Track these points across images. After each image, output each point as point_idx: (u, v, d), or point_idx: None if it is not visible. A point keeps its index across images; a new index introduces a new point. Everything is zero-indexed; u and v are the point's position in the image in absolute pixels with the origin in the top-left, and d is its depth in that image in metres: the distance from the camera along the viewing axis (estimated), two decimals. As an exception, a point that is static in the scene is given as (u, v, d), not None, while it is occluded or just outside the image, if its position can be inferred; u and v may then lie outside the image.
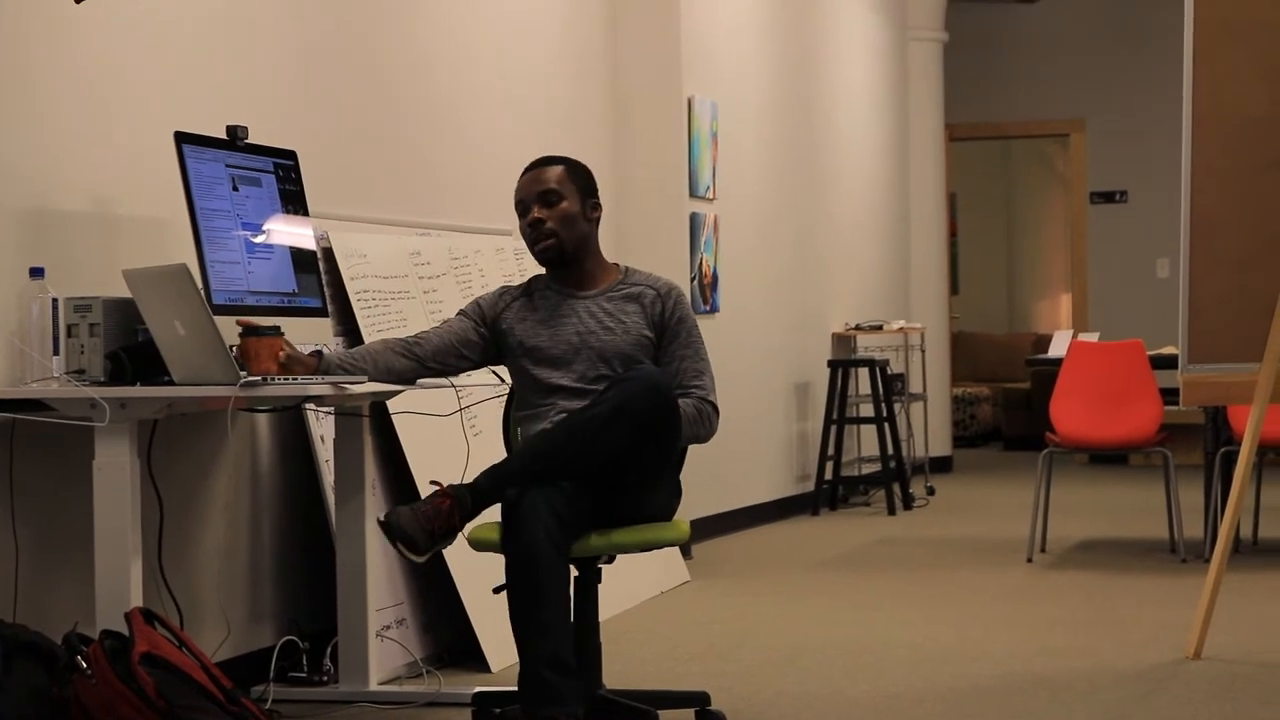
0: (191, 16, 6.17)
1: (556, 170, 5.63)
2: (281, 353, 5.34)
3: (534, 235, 5.56)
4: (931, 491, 13.52)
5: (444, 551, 5.28)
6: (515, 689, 5.54)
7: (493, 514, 5.24)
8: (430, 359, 5.61)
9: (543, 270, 5.70)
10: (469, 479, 5.21)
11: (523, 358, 5.57)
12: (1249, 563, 9.16)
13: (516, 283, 5.82)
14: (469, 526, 5.21)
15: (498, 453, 5.62)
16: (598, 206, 5.67)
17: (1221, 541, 6.82)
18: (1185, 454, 10.28)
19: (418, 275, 7.01)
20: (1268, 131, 6.65)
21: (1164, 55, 13.22)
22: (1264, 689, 6.15)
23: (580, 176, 5.66)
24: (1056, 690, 6.19)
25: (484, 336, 5.64)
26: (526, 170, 5.67)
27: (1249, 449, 6.72)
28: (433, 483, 5.32)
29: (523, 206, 5.60)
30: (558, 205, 5.56)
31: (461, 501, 5.14)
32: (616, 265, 5.71)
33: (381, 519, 5.30)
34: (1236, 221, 6.69)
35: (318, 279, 6.11)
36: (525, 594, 5.06)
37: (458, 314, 5.76)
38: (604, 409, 5.22)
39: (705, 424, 5.43)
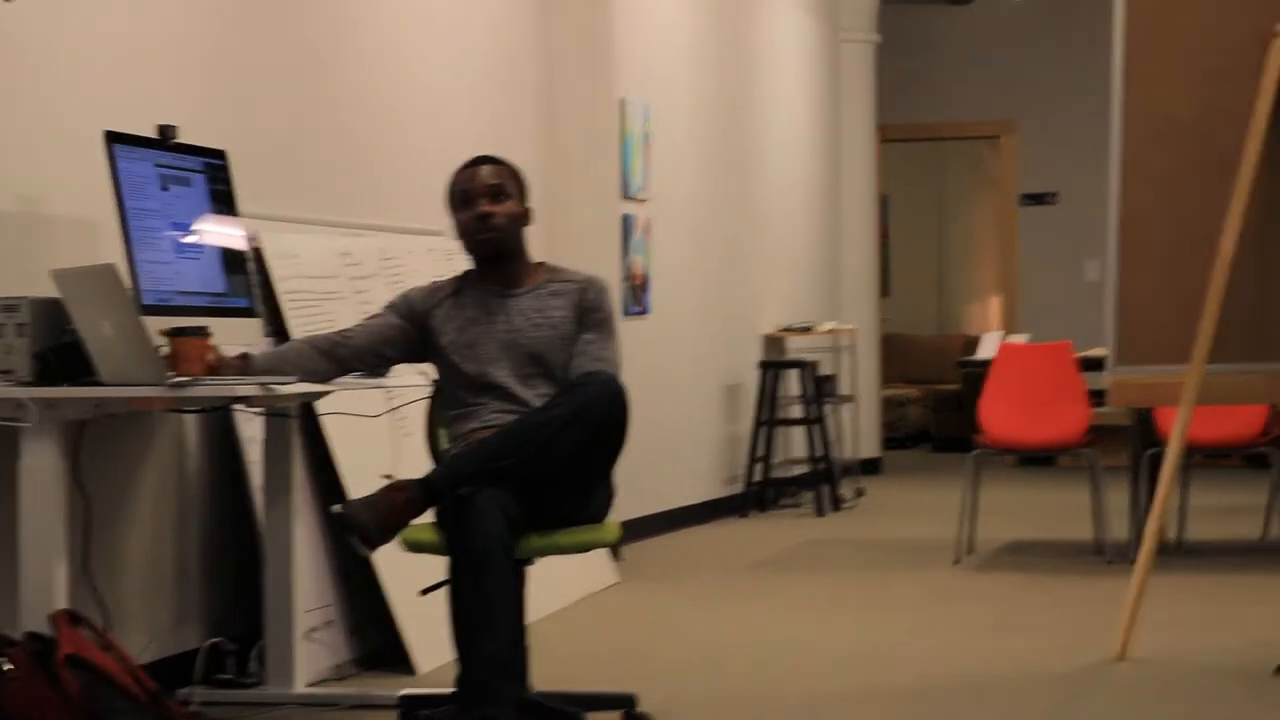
0: (122, 13, 6.14)
1: (504, 169, 5.68)
2: (209, 354, 5.33)
3: (479, 227, 5.56)
4: (860, 493, 13.57)
5: (362, 548, 5.27)
6: (442, 691, 5.55)
7: (425, 516, 5.25)
8: (353, 359, 5.62)
9: (471, 266, 5.70)
10: (400, 479, 5.21)
11: (453, 355, 5.57)
12: (1175, 564, 9.20)
13: (445, 278, 5.82)
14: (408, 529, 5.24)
15: (425, 464, 5.61)
16: (530, 211, 5.72)
17: (1147, 543, 6.87)
18: (1112, 456, 10.33)
19: (348, 276, 7.00)
20: (1195, 134, 6.70)
21: (1094, 58, 13.30)
22: (1189, 690, 6.20)
23: (521, 180, 5.72)
24: (983, 692, 6.24)
25: (409, 333, 5.63)
26: (470, 165, 5.68)
27: (1175, 451, 6.76)
28: (385, 476, 5.35)
29: (466, 197, 5.59)
30: (506, 202, 5.59)
31: (413, 497, 5.16)
32: (542, 264, 5.74)
33: (335, 510, 5.32)
34: (1165, 224, 6.74)
35: (247, 280, 6.10)
36: (472, 595, 5.07)
37: (385, 307, 5.76)
38: (563, 412, 5.24)
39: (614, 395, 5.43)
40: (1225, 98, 6.66)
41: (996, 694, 6.20)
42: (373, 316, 5.76)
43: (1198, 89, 6.69)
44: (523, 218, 5.65)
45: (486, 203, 5.55)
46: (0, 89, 5.56)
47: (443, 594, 5.18)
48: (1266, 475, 10.15)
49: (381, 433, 6.72)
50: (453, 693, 5.17)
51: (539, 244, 9.20)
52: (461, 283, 5.69)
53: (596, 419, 5.25)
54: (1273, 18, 6.60)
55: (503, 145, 9.05)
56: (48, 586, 4.94)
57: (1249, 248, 6.62)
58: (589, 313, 5.57)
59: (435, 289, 5.71)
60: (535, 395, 5.46)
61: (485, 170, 5.63)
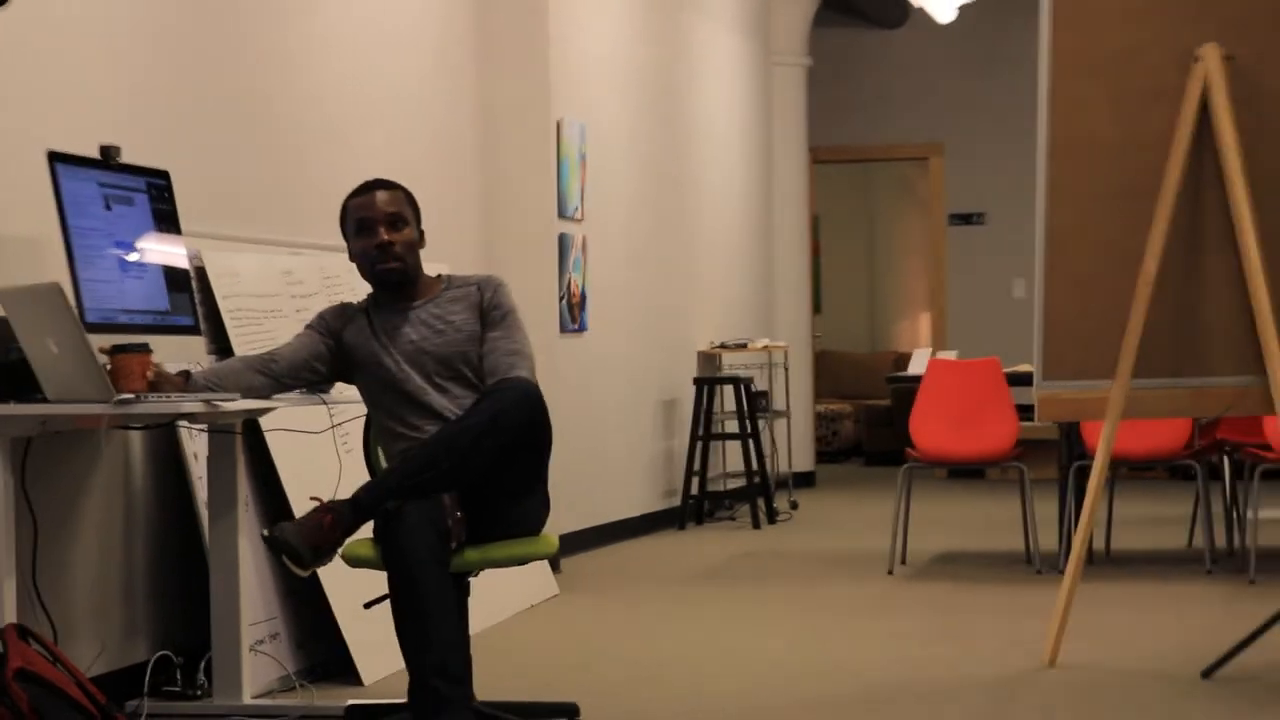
0: (65, 33, 6.13)
1: (400, 193, 5.69)
2: (150, 370, 5.34)
3: (381, 256, 5.57)
4: (795, 506, 13.62)
5: (299, 567, 5.30)
6: (389, 701, 5.59)
7: (365, 530, 5.26)
8: (285, 375, 5.64)
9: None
10: (343, 495, 5.24)
11: (366, 373, 5.62)
12: (1102, 573, 9.29)
13: (357, 300, 5.85)
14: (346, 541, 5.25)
15: (365, 476, 5.65)
16: (423, 234, 5.75)
17: (1075, 553, 6.90)
18: (1040, 468, 10.41)
19: (290, 294, 7.01)
20: (1118, 158, 6.73)
21: (1020, 82, 13.35)
22: (1118, 695, 6.24)
23: (415, 204, 5.73)
24: (918, 699, 6.26)
25: (331, 349, 5.66)
26: (364, 190, 5.70)
27: (1102, 464, 6.80)
28: (313, 498, 5.31)
29: (365, 225, 5.61)
30: (404, 230, 5.62)
31: (341, 516, 5.16)
32: (439, 276, 5.76)
33: (265, 534, 5.33)
34: (1089, 244, 6.77)
35: (190, 298, 6.11)
36: (409, 608, 5.10)
37: (305, 328, 5.78)
38: (479, 419, 5.27)
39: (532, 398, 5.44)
40: (1148, 121, 6.68)
41: (932, 700, 6.22)
42: (297, 336, 5.78)
43: (1121, 112, 6.71)
44: (419, 242, 5.68)
45: (386, 230, 5.57)
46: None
47: (387, 607, 5.23)
48: (1190, 486, 10.20)
49: (326, 449, 6.76)
50: (405, 702, 5.19)
51: (478, 262, 9.27)
52: (369, 303, 5.72)
53: (514, 425, 5.26)
54: (1193, 42, 6.66)
55: (441, 165, 9.13)
56: (-2, 600, 4.97)
57: (1171, 267, 6.66)
58: (489, 310, 5.60)
59: (344, 309, 5.75)
60: (451, 400, 5.51)
61: (382, 197, 5.64)
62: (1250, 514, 9.85)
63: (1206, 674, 6.52)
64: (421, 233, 5.71)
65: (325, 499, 5.23)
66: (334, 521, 5.15)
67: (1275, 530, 10.28)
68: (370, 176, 7.80)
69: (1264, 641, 6.58)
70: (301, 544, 5.12)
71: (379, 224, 5.58)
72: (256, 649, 6.36)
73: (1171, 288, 6.68)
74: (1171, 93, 6.67)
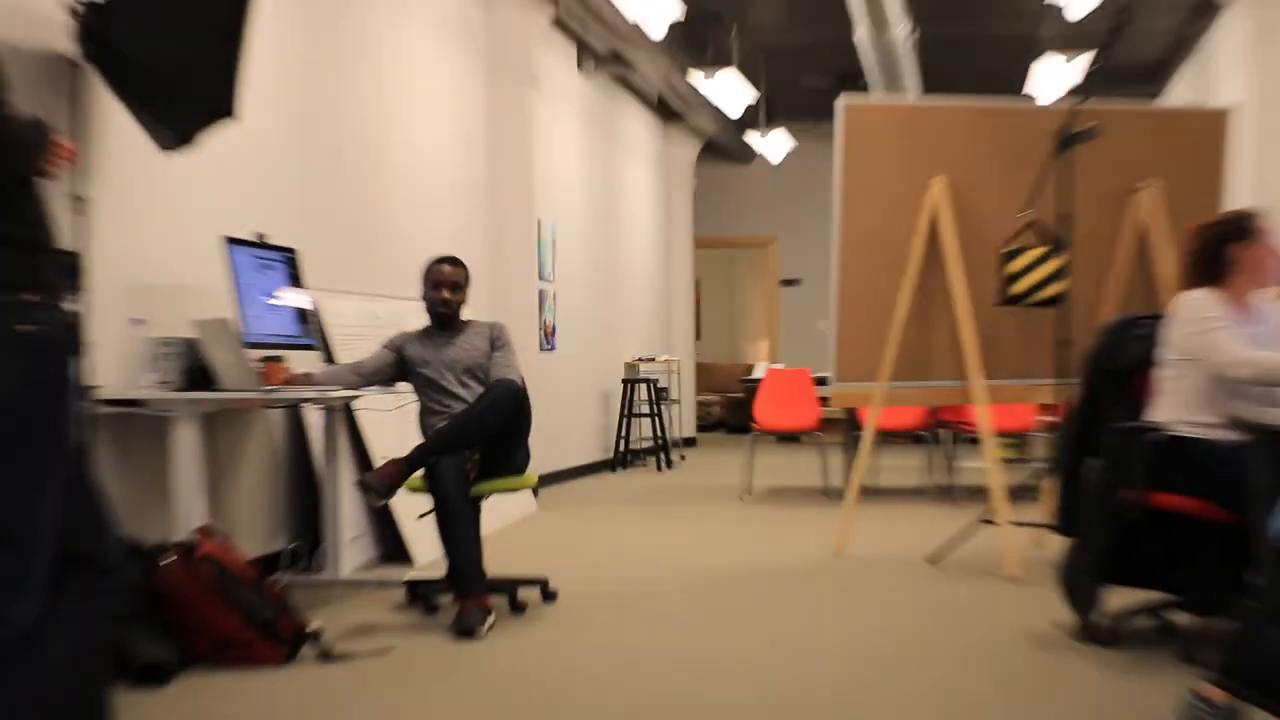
0: (232, 158, 6.14)
1: (461, 270, 5.73)
2: (284, 372, 5.40)
3: (441, 304, 5.67)
4: (683, 458, 13.63)
5: (376, 501, 5.32)
6: (432, 577, 5.60)
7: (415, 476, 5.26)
8: (369, 376, 5.70)
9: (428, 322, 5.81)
10: (401, 453, 5.26)
11: (421, 370, 5.66)
12: (869, 500, 9.30)
13: (415, 329, 5.87)
14: (407, 481, 5.29)
15: (417, 437, 5.67)
16: (467, 293, 5.78)
17: (852, 487, 6.97)
18: (833, 435, 10.47)
19: (371, 325, 7.01)
20: (882, 244, 6.75)
21: (824, 196, 13.35)
22: (878, 570, 6.27)
23: (469, 276, 5.77)
24: (758, 574, 6.29)
25: (396, 360, 5.73)
26: (443, 261, 5.72)
27: (869, 433, 6.86)
28: (383, 457, 5.43)
29: (437, 283, 5.68)
30: (459, 294, 5.70)
31: (402, 466, 5.20)
32: (469, 320, 5.79)
33: (356, 480, 5.48)
34: (864, 298, 6.79)
35: (310, 327, 6.14)
36: (445, 519, 5.16)
37: (381, 346, 5.83)
38: (485, 404, 5.32)
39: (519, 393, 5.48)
40: (901, 222, 6.73)
41: (764, 575, 6.24)
42: (376, 351, 5.82)
43: (884, 216, 6.74)
44: (464, 300, 5.74)
45: (448, 292, 5.67)
46: (162, 205, 5.60)
47: (431, 519, 5.26)
48: (924, 448, 10.28)
49: (393, 421, 6.79)
50: (444, 578, 5.26)
51: (489, 309, 9.26)
52: (422, 331, 5.77)
53: (506, 408, 5.32)
54: (928, 174, 6.69)
55: (465, 241, 9.10)
56: (192, 511, 4.97)
57: (913, 312, 6.72)
58: (495, 342, 5.67)
59: (406, 335, 5.78)
60: (469, 392, 5.57)
61: (448, 269, 5.69)
62: (958, 464, 9.94)
63: (931, 560, 6.63)
64: (467, 294, 5.75)
65: (392, 456, 5.28)
66: (398, 470, 5.20)
67: (972, 474, 10.36)
68: (419, 252, 7.77)
69: (963, 540, 6.66)
70: (379, 484, 5.17)
71: (444, 286, 5.67)
72: (351, 543, 6.40)
73: (913, 326, 6.73)
74: (915, 205, 6.73)
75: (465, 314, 5.79)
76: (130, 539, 4.67)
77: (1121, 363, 4.88)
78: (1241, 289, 4.63)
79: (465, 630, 4.97)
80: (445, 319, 5.69)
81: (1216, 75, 11.14)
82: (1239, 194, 9.22)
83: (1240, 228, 4.64)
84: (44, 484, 2.66)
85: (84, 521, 2.77)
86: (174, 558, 4.62)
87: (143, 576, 4.55)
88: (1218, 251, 4.64)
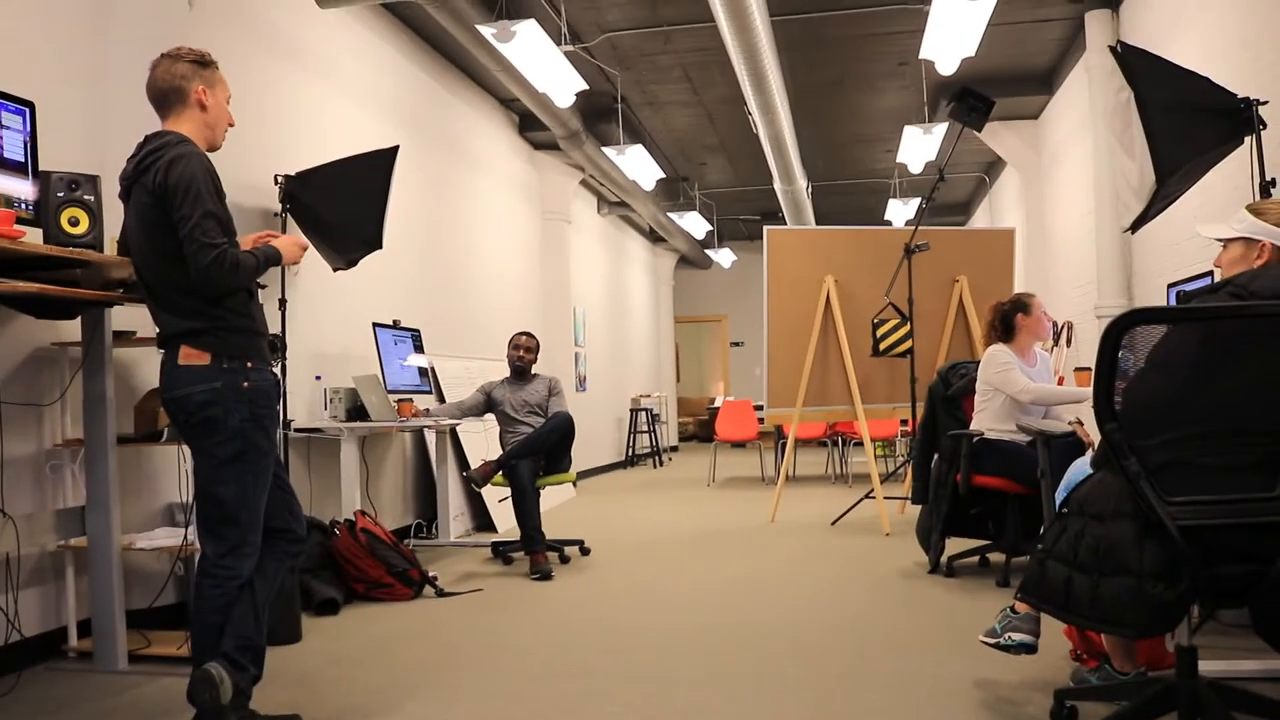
0: (374, 268, 6.13)
1: (534, 340, 5.69)
2: (412, 408, 5.35)
3: (519, 359, 5.61)
4: (670, 459, 13.42)
5: (476, 486, 5.28)
6: (511, 540, 5.54)
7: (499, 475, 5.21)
8: (470, 411, 5.62)
9: (509, 373, 5.74)
10: (490, 457, 5.24)
11: (501, 407, 5.58)
12: (792, 484, 9.21)
13: (498, 379, 5.82)
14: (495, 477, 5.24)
15: (498, 449, 5.62)
16: (536, 355, 5.72)
17: (781, 476, 6.87)
18: (767, 443, 10.43)
19: (468, 379, 6.99)
20: (794, 319, 6.73)
21: (758, 289, 13.34)
22: (800, 530, 6.19)
23: (538, 342, 5.73)
24: (720, 534, 6.21)
25: (486, 401, 5.64)
26: (522, 333, 5.69)
27: (791, 441, 6.75)
28: (483, 460, 5.37)
29: (516, 345, 5.62)
30: (531, 355, 5.64)
31: (493, 466, 5.16)
32: (535, 374, 5.72)
33: (463, 474, 5.42)
34: (784, 354, 6.76)
35: (429, 379, 6.14)
36: (521, 504, 5.08)
37: (476, 390, 5.76)
38: (548, 429, 5.28)
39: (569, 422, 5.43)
40: (807, 303, 6.65)
41: (728, 533, 6.17)
42: (472, 394, 5.74)
43: (796, 299, 6.67)
44: (535, 360, 5.67)
45: (524, 352, 5.62)
46: (335, 303, 5.59)
47: (509, 503, 5.22)
48: (827, 449, 10.22)
49: (483, 439, 6.75)
50: (519, 540, 5.18)
51: (545, 366, 9.22)
52: (504, 380, 5.70)
53: (563, 431, 5.28)
54: (823, 274, 6.65)
55: (526, 322, 9.08)
56: (351, 499, 4.93)
57: (816, 361, 6.66)
58: (552, 389, 5.59)
59: (492, 383, 5.71)
60: (534, 420, 5.49)
61: (524, 338, 5.65)
62: (848, 460, 9.84)
63: (833, 522, 6.55)
64: (536, 355, 5.69)
65: (485, 459, 5.23)
66: (491, 468, 5.15)
67: (858, 466, 10.30)
68: (500, 326, 7.66)
69: (853, 510, 6.60)
70: (478, 477, 5.13)
71: (521, 348, 5.61)
72: (456, 518, 6.35)
73: (817, 370, 6.67)
74: (816, 293, 6.67)
75: (543, 370, 5.76)
76: (313, 519, 4.67)
77: (951, 392, 4.88)
78: (1024, 344, 4.65)
79: (545, 575, 4.85)
80: (521, 371, 5.63)
81: (1002, 208, 11.22)
82: (1019, 282, 9.24)
83: (1022, 304, 4.66)
84: (257, 484, 2.66)
85: (281, 508, 2.78)
86: (341, 529, 4.60)
87: (320, 542, 4.53)
88: (1008, 320, 4.66)
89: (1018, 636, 2.72)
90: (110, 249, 3.28)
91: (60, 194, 3.18)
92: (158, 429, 3.60)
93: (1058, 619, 2.28)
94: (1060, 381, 4.68)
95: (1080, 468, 2.85)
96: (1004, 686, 2.96)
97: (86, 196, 3.21)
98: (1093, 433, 3.75)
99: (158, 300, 2.64)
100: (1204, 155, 3.68)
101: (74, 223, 3.20)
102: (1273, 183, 3.64)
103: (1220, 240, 2.56)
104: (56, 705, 3.05)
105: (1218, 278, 2.53)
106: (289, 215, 4.91)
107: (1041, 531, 3.40)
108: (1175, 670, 2.30)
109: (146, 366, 3.92)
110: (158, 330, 2.67)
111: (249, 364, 2.64)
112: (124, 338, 3.56)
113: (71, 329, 3.63)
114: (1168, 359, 2.14)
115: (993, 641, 2.76)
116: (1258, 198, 3.67)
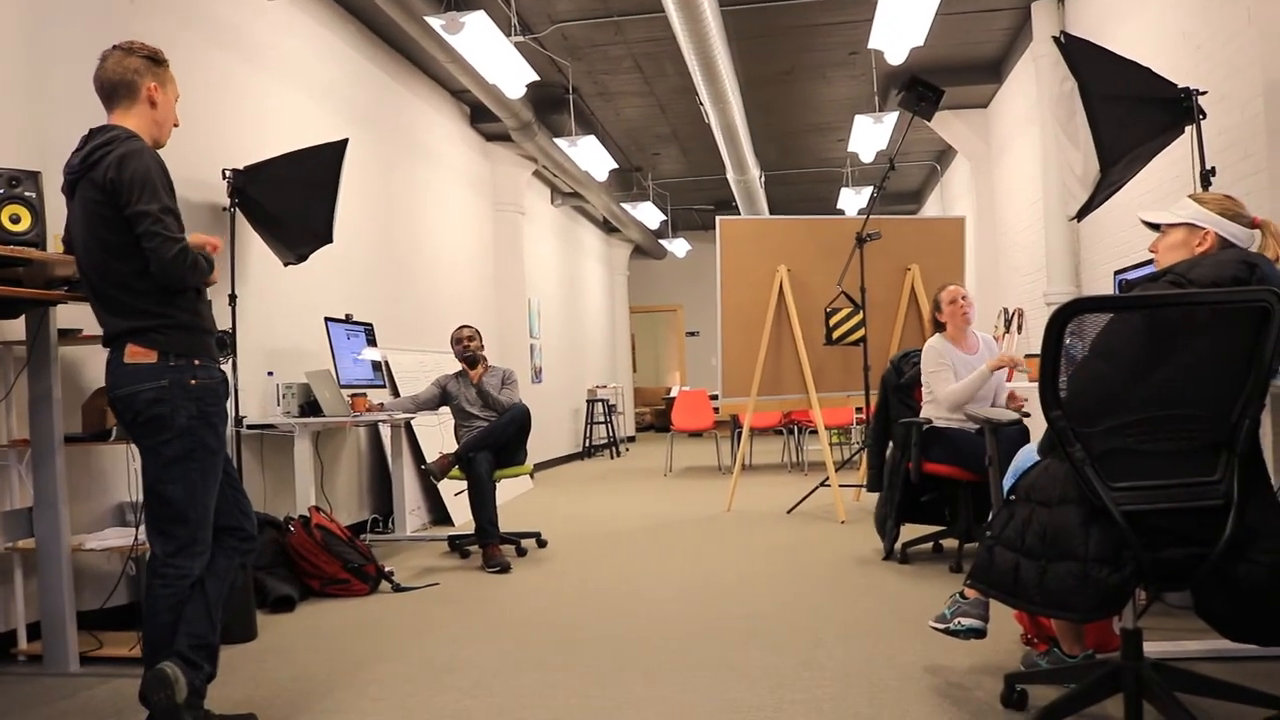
0: (329, 261, 6.07)
1: (472, 329, 5.62)
2: (366, 403, 5.31)
3: (467, 349, 5.56)
4: (627, 450, 13.44)
5: (434, 479, 5.25)
6: (466, 534, 5.51)
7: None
8: (423, 405, 5.57)
9: (460, 366, 5.72)
10: (447, 451, 5.20)
11: (456, 401, 5.55)
12: (748, 474, 9.25)
13: (451, 372, 5.78)
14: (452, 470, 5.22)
15: (453, 443, 5.59)
16: (482, 345, 5.69)
17: (737, 464, 6.91)
18: (723, 432, 10.47)
19: (421, 372, 6.95)
20: (748, 307, 6.74)
21: (711, 278, 13.39)
22: (755, 518, 6.23)
23: (480, 335, 5.66)
24: (676, 523, 6.23)
25: (440, 394, 5.59)
26: (463, 328, 5.64)
27: (746, 430, 6.78)
28: (440, 452, 5.32)
29: (458, 339, 5.57)
30: (474, 342, 5.58)
31: (450, 459, 5.14)
32: (488, 366, 5.69)
33: (422, 467, 5.38)
34: (738, 343, 6.79)
35: (383, 373, 6.08)
36: (475, 495, 5.06)
37: (430, 384, 5.73)
38: (504, 421, 5.26)
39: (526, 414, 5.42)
40: (761, 292, 6.69)
41: (685, 522, 6.19)
42: (427, 388, 5.72)
43: (749, 289, 6.69)
44: (480, 346, 5.61)
45: (468, 342, 5.56)
46: (285, 298, 5.52)
47: (465, 496, 5.20)
48: (783, 437, 10.28)
49: (438, 434, 6.71)
50: (473, 535, 5.16)
51: (500, 358, 9.17)
52: (458, 374, 5.65)
53: (519, 423, 5.27)
54: (776, 263, 6.67)
55: (481, 314, 9.03)
56: (305, 496, 4.88)
57: (770, 351, 6.69)
58: (506, 380, 5.54)
59: (446, 376, 5.67)
60: (489, 414, 5.44)
61: (464, 330, 5.60)
62: (803, 448, 9.92)
63: (789, 510, 6.58)
64: (481, 345, 5.65)
65: (442, 452, 5.20)
66: (449, 461, 5.13)
67: (813, 454, 10.38)
68: (449, 318, 7.64)
69: (809, 498, 6.65)
70: (436, 470, 5.12)
71: (464, 340, 5.55)
72: (412, 513, 6.32)
73: (770, 359, 6.72)
74: (769, 283, 6.71)
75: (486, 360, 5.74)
76: (268, 515, 4.62)
77: (904, 380, 4.93)
78: (956, 332, 4.73)
79: (502, 568, 4.85)
80: (469, 360, 5.59)
81: (953, 197, 11.34)
82: (970, 270, 9.35)
83: (938, 297, 4.74)
84: (207, 482, 2.64)
85: (232, 505, 2.76)
86: (296, 526, 4.56)
87: (275, 539, 4.49)
88: (935, 312, 4.75)
89: (967, 622, 2.76)
90: (54, 246, 3.22)
91: (1, 191, 3.11)
92: (106, 428, 3.55)
93: (1006, 604, 2.32)
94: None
95: (1027, 455, 2.89)
96: (955, 672, 3.01)
97: (28, 193, 3.15)
98: (1035, 414, 3.81)
99: (101, 298, 2.61)
100: (1146, 144, 3.75)
101: (15, 220, 3.13)
102: (1213, 171, 3.72)
103: (1160, 226, 2.60)
104: (6, 709, 2.99)
105: (1156, 265, 2.57)
106: (238, 210, 4.84)
107: (989, 518, 3.45)
108: (1121, 652, 2.35)
109: (93, 365, 3.85)
110: (103, 329, 2.63)
111: (196, 361, 2.62)
112: (69, 336, 3.49)
113: (15, 328, 3.56)
114: (1111, 347, 2.18)
115: (942, 627, 2.80)
116: (1198, 186, 3.76)
